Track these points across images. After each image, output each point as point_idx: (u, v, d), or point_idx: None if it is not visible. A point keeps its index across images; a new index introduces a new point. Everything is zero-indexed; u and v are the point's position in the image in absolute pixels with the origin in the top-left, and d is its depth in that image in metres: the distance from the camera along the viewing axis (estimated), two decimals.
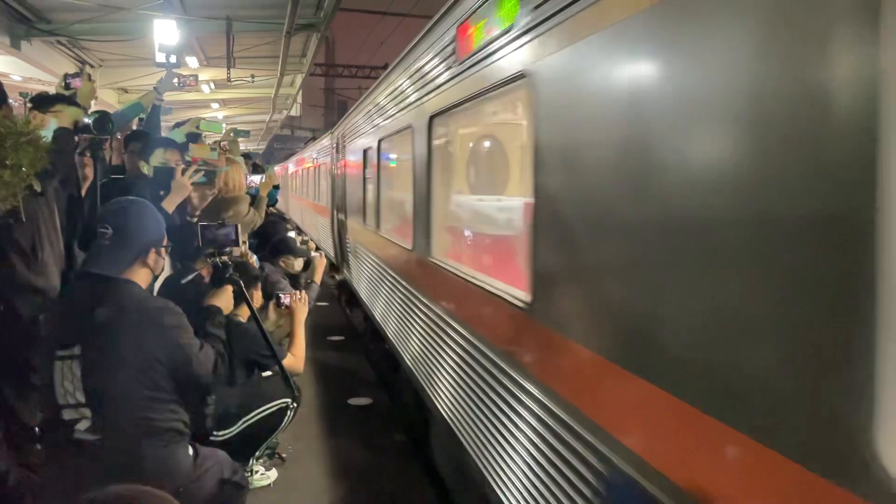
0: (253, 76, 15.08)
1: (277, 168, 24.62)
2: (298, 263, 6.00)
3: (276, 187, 6.68)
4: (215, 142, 5.85)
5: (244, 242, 4.64)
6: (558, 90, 2.61)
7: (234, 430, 3.84)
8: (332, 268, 11.78)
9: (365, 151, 7.90)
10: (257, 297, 4.39)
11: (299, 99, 21.72)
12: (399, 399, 6.20)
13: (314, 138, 18.86)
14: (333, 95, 50.19)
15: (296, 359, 4.34)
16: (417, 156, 5.03)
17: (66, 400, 2.71)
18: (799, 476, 1.41)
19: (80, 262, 3.61)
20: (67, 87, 4.18)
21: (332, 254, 11.57)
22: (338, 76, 37.04)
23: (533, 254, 2.85)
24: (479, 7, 3.52)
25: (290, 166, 23.61)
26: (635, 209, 2.04)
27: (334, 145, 11.32)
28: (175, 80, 5.34)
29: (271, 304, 4.66)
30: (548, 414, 2.64)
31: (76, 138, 3.75)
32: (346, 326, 9.36)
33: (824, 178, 1.38)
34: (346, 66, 34.99)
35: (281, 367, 3.95)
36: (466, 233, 5.03)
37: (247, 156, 7.08)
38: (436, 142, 4.74)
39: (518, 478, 2.93)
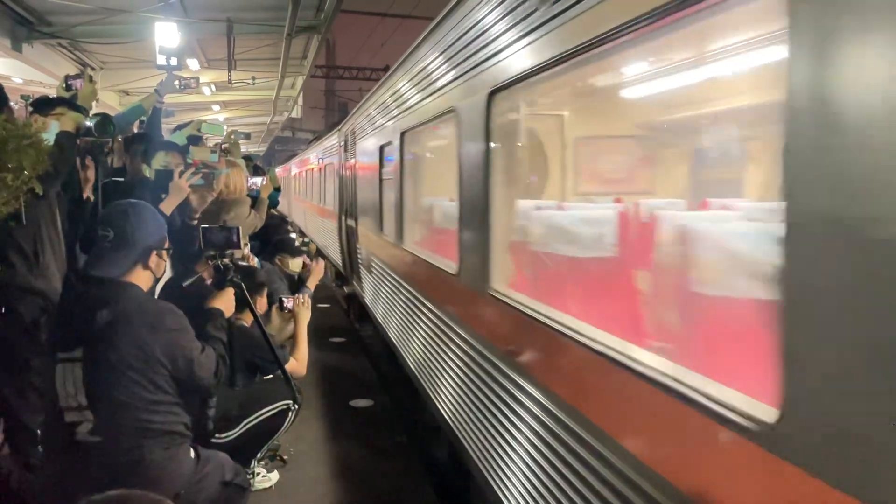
0: (254, 78, 15.12)
1: (279, 169, 24.53)
2: (295, 264, 5.99)
3: (278, 189, 6.67)
4: (216, 144, 5.85)
5: (245, 245, 4.64)
6: None
7: (235, 432, 3.84)
8: (338, 275, 11.36)
9: (382, 148, 6.74)
10: (262, 304, 4.40)
11: (300, 101, 21.75)
12: (427, 455, 5.32)
13: (318, 137, 18.19)
14: (334, 97, 50.24)
15: (298, 362, 4.35)
16: (466, 149, 3.79)
17: (67, 402, 2.71)
18: None
19: (82, 264, 3.62)
20: (68, 88, 4.18)
21: (338, 261, 10.96)
22: (338, 78, 37.06)
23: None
24: None
25: (293, 168, 22.75)
26: None
27: (342, 144, 10.44)
28: (176, 82, 5.35)
29: (274, 308, 4.66)
30: None
31: (77, 141, 3.75)
32: (348, 328, 9.35)
33: None
34: (347, 67, 34.98)
35: (283, 370, 3.95)
36: (550, 254, 3.54)
37: (248, 158, 7.09)
38: (497, 127, 3.46)
39: None
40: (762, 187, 3.13)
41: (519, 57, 2.97)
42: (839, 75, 1.36)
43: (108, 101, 14.06)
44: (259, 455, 4.18)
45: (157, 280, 3.13)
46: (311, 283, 5.32)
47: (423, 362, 4.79)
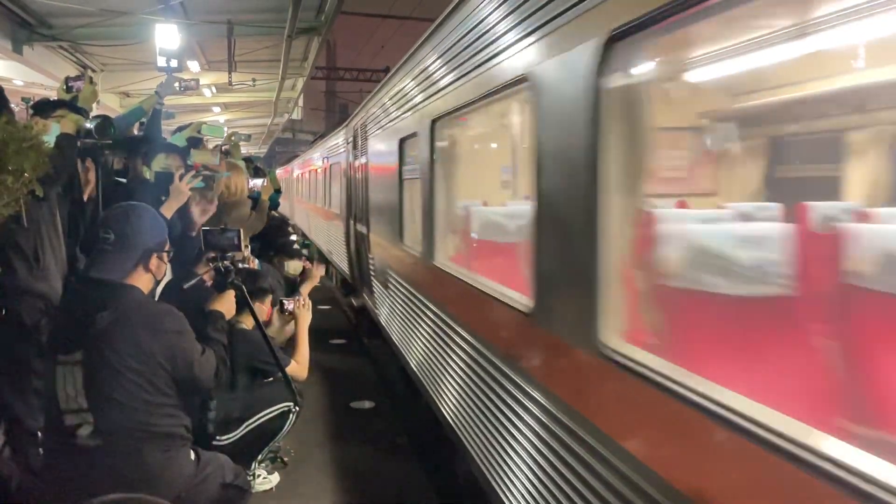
0: (254, 80, 15.15)
1: (280, 171, 24.41)
2: (293, 266, 5.99)
3: (278, 191, 6.68)
4: (216, 146, 5.85)
5: (246, 247, 4.64)
6: None
7: (236, 434, 3.85)
8: (344, 283, 10.85)
9: (402, 142, 5.66)
10: (266, 310, 4.40)
11: (300, 102, 21.78)
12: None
13: (323, 135, 17.23)
14: (335, 98, 50.22)
15: (299, 365, 4.35)
16: (550, 131, 2.59)
17: (67, 405, 2.71)
18: None
19: (82, 266, 3.62)
20: (69, 89, 4.18)
21: (344, 268, 10.16)
22: (339, 79, 37.06)
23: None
24: None
25: (295, 169, 21.67)
26: None
27: (350, 140, 9.49)
28: (176, 84, 5.34)
29: (275, 311, 4.66)
30: None
31: (78, 143, 3.75)
32: (348, 329, 9.35)
33: None
34: (348, 69, 34.98)
35: (284, 374, 3.95)
36: (694, 293, 2.30)
37: (248, 159, 7.09)
38: (613, 94, 2.16)
39: None
40: (870, 186, 2.60)
41: None
42: None
43: (109, 104, 14.08)
44: (260, 457, 4.18)
45: (157, 282, 3.13)
46: (305, 290, 5.23)
47: (469, 418, 3.60)
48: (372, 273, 7.37)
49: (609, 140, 2.18)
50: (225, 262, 3.52)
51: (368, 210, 7.57)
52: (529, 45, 2.73)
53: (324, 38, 11.25)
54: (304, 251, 6.87)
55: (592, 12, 2.18)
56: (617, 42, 2.07)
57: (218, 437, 3.74)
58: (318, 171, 14.46)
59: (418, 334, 4.99)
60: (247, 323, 4.12)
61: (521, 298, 3.00)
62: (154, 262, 2.96)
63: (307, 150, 20.73)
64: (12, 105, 3.60)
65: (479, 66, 3.40)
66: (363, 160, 8.07)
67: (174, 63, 8.82)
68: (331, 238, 11.93)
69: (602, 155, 2.20)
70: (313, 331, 4.63)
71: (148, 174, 4.30)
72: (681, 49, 2.67)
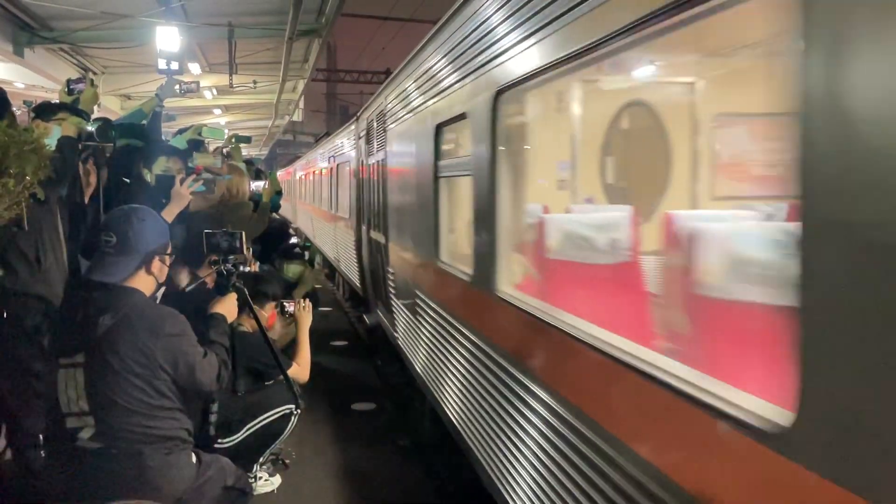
0: (255, 82, 15.16)
1: (281, 173, 24.33)
2: (292, 269, 5.99)
3: (279, 193, 6.68)
4: (217, 148, 5.85)
5: (248, 249, 4.64)
6: None
7: (238, 437, 3.84)
8: (353, 294, 10.11)
9: (439, 128, 4.44)
10: (271, 316, 4.40)
11: (301, 104, 21.84)
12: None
13: (328, 133, 15.76)
14: (335, 100, 50.28)
15: (301, 368, 4.35)
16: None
17: (69, 408, 2.71)
18: None
19: (84, 270, 3.62)
20: (70, 91, 4.18)
21: (354, 279, 9.16)
22: (339, 81, 37.16)
23: None
24: None
25: (299, 171, 20.38)
26: None
27: (362, 135, 8.35)
28: (177, 86, 5.35)
29: (276, 313, 4.66)
30: None
31: (79, 146, 3.76)
32: (350, 331, 9.35)
33: None
34: (348, 71, 35.07)
35: (286, 376, 3.95)
36: None
37: (249, 161, 7.09)
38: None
39: None
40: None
41: None
42: None
43: (110, 106, 14.09)
44: (261, 459, 4.18)
45: (159, 285, 3.13)
46: (298, 294, 5.31)
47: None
48: (392, 291, 6.16)
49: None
50: (227, 264, 3.52)
51: (387, 215, 6.41)
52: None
53: (324, 40, 11.28)
54: (305, 253, 6.86)
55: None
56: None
57: (220, 440, 3.74)
58: (324, 171, 13.31)
59: (467, 385, 3.83)
60: (248, 326, 4.12)
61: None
62: (156, 265, 2.96)
63: (311, 150, 19.34)
64: (14, 108, 3.60)
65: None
66: (380, 156, 6.92)
67: (175, 65, 8.83)
68: (337, 244, 10.81)
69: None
70: (314, 333, 4.63)
71: (149, 177, 4.30)
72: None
